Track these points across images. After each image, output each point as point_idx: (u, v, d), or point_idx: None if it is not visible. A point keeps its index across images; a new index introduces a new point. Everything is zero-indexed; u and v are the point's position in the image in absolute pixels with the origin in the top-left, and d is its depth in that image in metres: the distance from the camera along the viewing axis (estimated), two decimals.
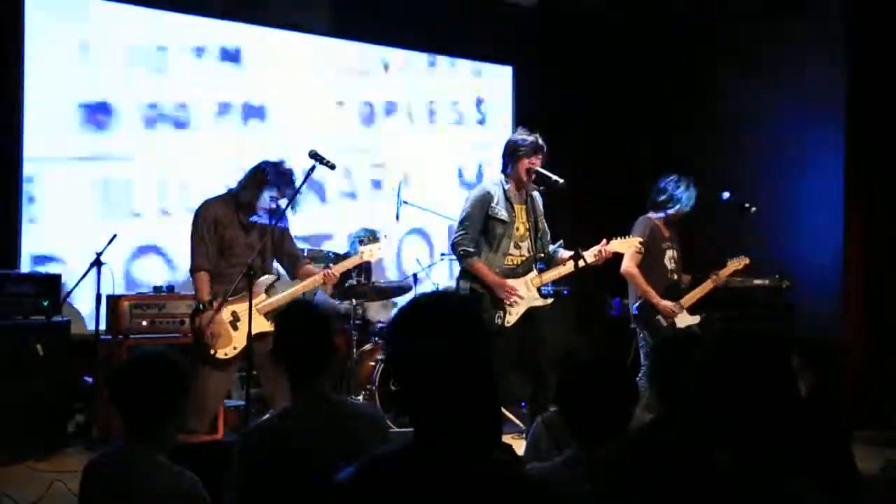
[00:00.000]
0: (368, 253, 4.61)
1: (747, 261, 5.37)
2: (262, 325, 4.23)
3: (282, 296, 4.38)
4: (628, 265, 5.15)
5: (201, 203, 4.45)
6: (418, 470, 1.48)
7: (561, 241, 4.85)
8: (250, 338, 4.10)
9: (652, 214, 5.31)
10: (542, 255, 4.77)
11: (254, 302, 4.17)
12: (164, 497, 2.27)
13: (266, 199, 4.35)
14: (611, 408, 2.25)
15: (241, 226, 4.39)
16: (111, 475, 2.35)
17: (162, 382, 2.37)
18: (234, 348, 4.22)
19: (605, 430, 2.24)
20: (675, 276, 5.29)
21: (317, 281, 4.43)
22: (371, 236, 5.49)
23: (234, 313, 4.24)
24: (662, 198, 5.26)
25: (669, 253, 5.29)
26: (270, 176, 4.34)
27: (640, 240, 4.98)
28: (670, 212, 5.26)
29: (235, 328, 4.24)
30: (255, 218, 4.41)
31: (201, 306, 4.23)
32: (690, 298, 5.19)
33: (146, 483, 2.28)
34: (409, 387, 1.53)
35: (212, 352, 4.18)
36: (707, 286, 5.24)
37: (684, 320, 5.13)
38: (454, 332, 1.52)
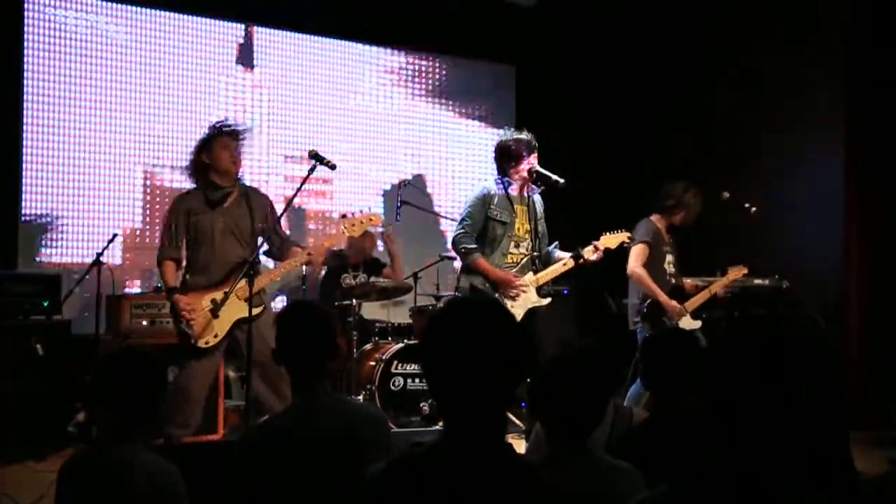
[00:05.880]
0: (350, 227, 4.41)
1: (746, 270, 5.39)
2: (242, 310, 4.12)
3: (262, 278, 4.29)
4: (634, 265, 5.13)
5: (174, 198, 4.47)
6: (448, 465, 1.52)
7: (556, 243, 4.85)
8: (250, 346, 4.06)
9: (655, 217, 5.30)
10: (538, 255, 4.77)
11: (234, 288, 4.12)
12: (142, 485, 2.28)
13: (226, 158, 4.29)
14: (581, 406, 2.20)
15: (211, 206, 4.29)
16: (89, 470, 2.36)
17: (139, 376, 2.39)
18: (216, 336, 4.17)
19: (580, 428, 2.20)
20: (674, 280, 5.30)
21: (301, 259, 4.32)
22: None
23: (213, 300, 4.17)
24: (670, 202, 5.25)
25: (669, 257, 5.30)
26: (217, 132, 4.33)
27: (628, 234, 4.97)
28: (676, 217, 5.27)
29: (216, 315, 4.16)
30: (226, 193, 4.31)
31: (168, 292, 4.20)
32: (692, 304, 5.21)
33: (124, 473, 2.29)
34: (444, 388, 1.58)
35: (192, 341, 4.15)
36: (705, 294, 5.25)
37: (688, 325, 5.13)
38: (493, 337, 1.56)
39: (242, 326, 4.13)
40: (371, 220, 4.49)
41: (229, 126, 4.41)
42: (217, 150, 4.29)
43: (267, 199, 4.51)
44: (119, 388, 2.38)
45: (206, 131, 4.38)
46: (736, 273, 5.35)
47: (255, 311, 4.14)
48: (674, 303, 5.11)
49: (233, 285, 4.12)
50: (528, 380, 2.29)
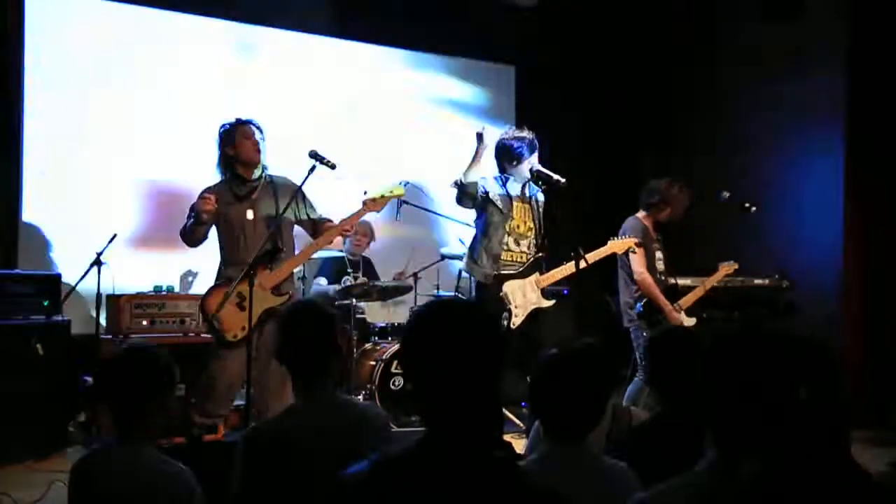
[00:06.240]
0: (372, 203, 4.41)
1: (736, 265, 5.38)
2: (269, 300, 4.23)
3: (286, 265, 4.33)
4: (642, 270, 5.09)
5: (202, 191, 4.45)
6: (430, 467, 1.50)
7: None
8: (251, 343, 4.09)
9: (641, 215, 5.28)
10: (542, 256, 4.77)
11: (257, 280, 4.14)
12: (156, 487, 2.27)
13: (249, 146, 4.35)
14: (582, 404, 2.19)
15: (237, 199, 4.36)
16: (103, 472, 2.36)
17: (147, 376, 2.38)
18: (243, 328, 4.20)
19: (580, 426, 2.19)
20: (664, 278, 5.28)
21: (334, 234, 4.34)
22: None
23: (239, 294, 4.18)
24: (654, 199, 5.24)
25: (658, 254, 5.29)
26: (237, 122, 4.40)
27: (636, 240, 4.97)
28: (662, 214, 5.25)
29: (242, 308, 4.17)
30: (253, 187, 4.36)
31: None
32: (686, 302, 5.21)
33: (139, 476, 2.28)
34: (424, 388, 1.56)
35: (224, 335, 4.21)
36: (699, 292, 5.24)
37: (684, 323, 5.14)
38: (474, 339, 1.54)
39: (269, 316, 4.19)
40: (393, 192, 4.46)
41: (249, 122, 4.46)
42: (239, 139, 4.37)
43: (294, 184, 4.44)
44: (124, 387, 2.37)
45: (225, 125, 4.42)
46: (726, 269, 5.35)
47: (280, 300, 4.25)
48: (676, 314, 5.11)
49: (254, 275, 4.08)
50: (529, 378, 2.28)
